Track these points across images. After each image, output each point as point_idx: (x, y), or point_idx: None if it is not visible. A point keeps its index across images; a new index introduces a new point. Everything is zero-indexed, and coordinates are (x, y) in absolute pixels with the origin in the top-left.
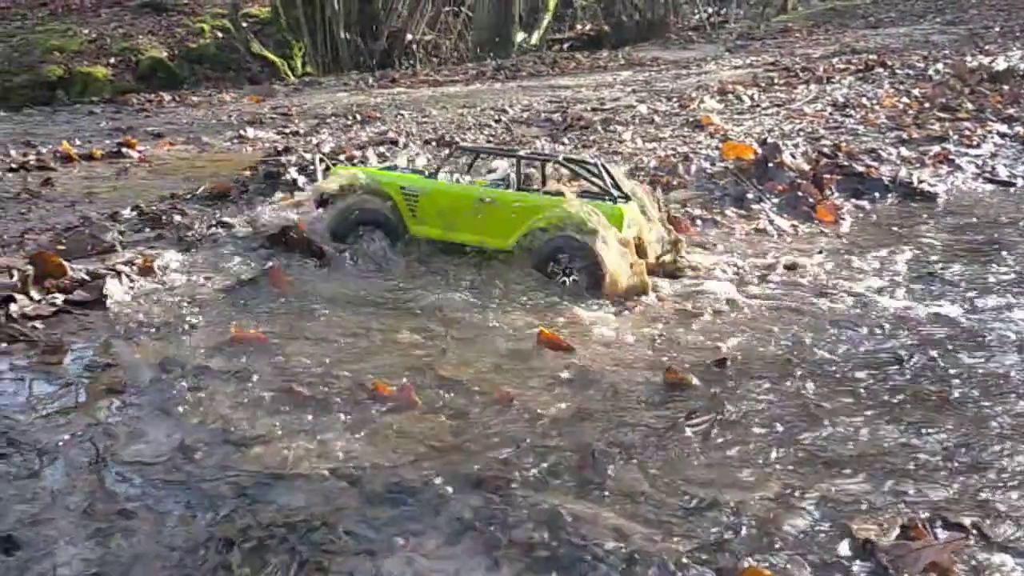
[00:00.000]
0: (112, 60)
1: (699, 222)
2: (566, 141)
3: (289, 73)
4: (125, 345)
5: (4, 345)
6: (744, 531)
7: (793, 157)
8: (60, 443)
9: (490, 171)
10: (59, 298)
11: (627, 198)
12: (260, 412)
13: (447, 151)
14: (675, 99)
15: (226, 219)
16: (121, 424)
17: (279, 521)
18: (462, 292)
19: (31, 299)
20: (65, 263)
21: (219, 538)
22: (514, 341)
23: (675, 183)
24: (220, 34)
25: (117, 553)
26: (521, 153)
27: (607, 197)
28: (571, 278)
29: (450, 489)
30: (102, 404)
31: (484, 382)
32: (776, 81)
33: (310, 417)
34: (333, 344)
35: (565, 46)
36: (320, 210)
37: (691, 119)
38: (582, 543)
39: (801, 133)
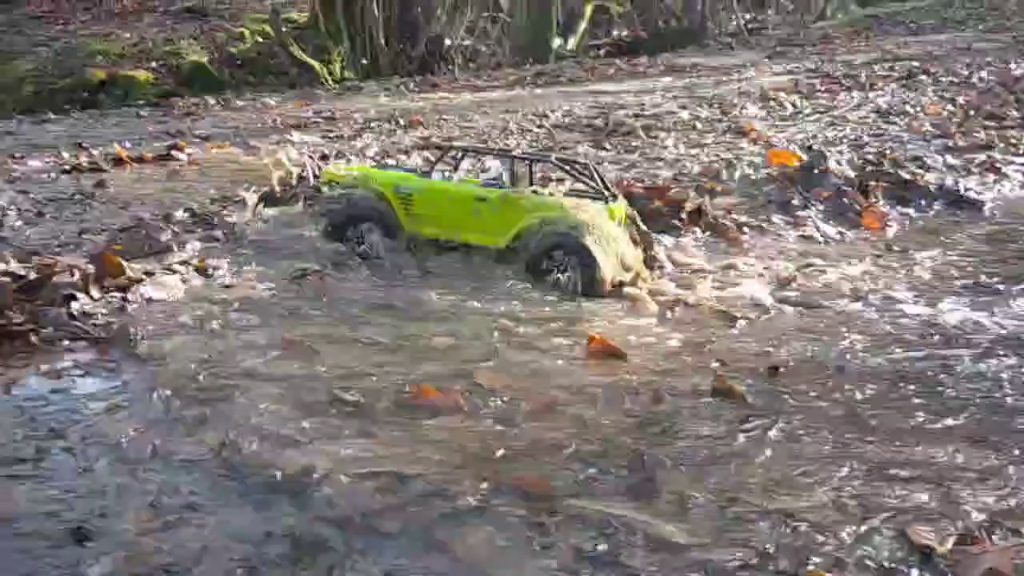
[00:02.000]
0: (154, 64)
1: (746, 229)
2: (608, 147)
3: (328, 78)
4: (176, 344)
5: (67, 343)
6: (800, 538)
7: (839, 164)
8: (121, 438)
9: (483, 170)
10: (117, 297)
11: (615, 197)
12: (306, 414)
13: (440, 151)
14: (717, 105)
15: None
16: (175, 421)
17: (328, 520)
18: (507, 297)
19: (91, 298)
20: (124, 263)
21: (277, 534)
22: (563, 346)
23: (719, 189)
24: (260, 39)
25: (184, 545)
26: (515, 153)
27: (599, 196)
28: (566, 275)
29: (496, 493)
30: (158, 401)
31: (532, 387)
32: (818, 88)
33: (355, 420)
34: (376, 348)
35: (601, 52)
36: (311, 207)
37: (733, 125)
38: (633, 549)
39: (845, 140)
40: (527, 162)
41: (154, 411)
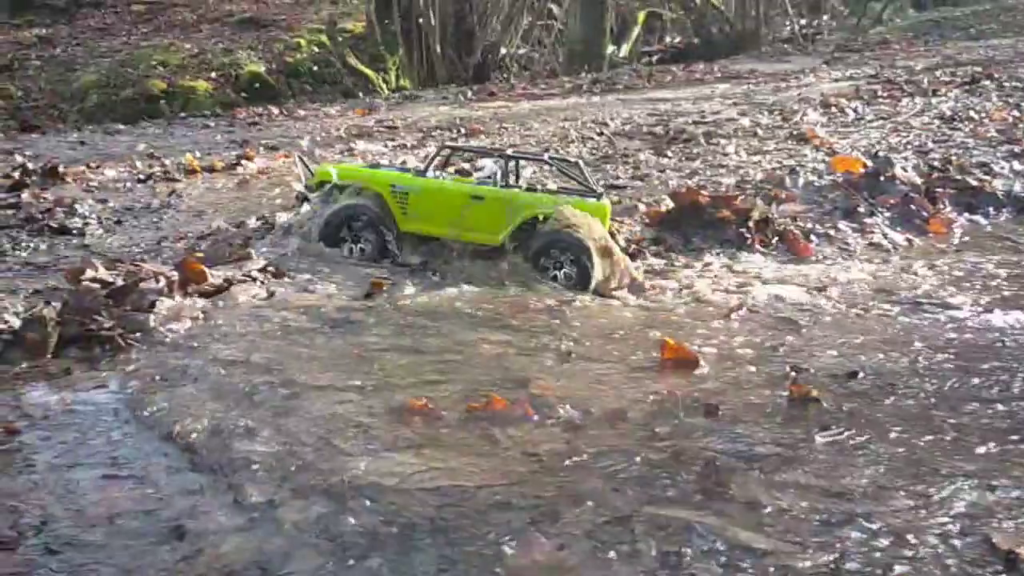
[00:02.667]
0: (213, 74)
1: (813, 237)
2: (669, 154)
3: (383, 87)
4: (250, 350)
5: (145, 348)
6: (883, 542)
7: (904, 170)
8: (203, 439)
9: (477, 169)
10: (200, 302)
11: (601, 195)
12: (376, 422)
13: (435, 150)
14: (777, 112)
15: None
16: (249, 425)
17: (396, 528)
18: (574, 304)
19: (175, 303)
20: (206, 269)
21: (357, 533)
22: (635, 352)
23: (783, 196)
24: (316, 49)
25: (272, 543)
26: (509, 152)
27: (590, 193)
28: (562, 271)
29: (567, 499)
30: (233, 404)
31: (601, 394)
32: (879, 94)
33: (425, 429)
34: (440, 357)
35: (653, 59)
36: (305, 207)
37: (795, 132)
38: (715, 555)
39: (909, 146)
40: (517, 161)
41: (229, 417)
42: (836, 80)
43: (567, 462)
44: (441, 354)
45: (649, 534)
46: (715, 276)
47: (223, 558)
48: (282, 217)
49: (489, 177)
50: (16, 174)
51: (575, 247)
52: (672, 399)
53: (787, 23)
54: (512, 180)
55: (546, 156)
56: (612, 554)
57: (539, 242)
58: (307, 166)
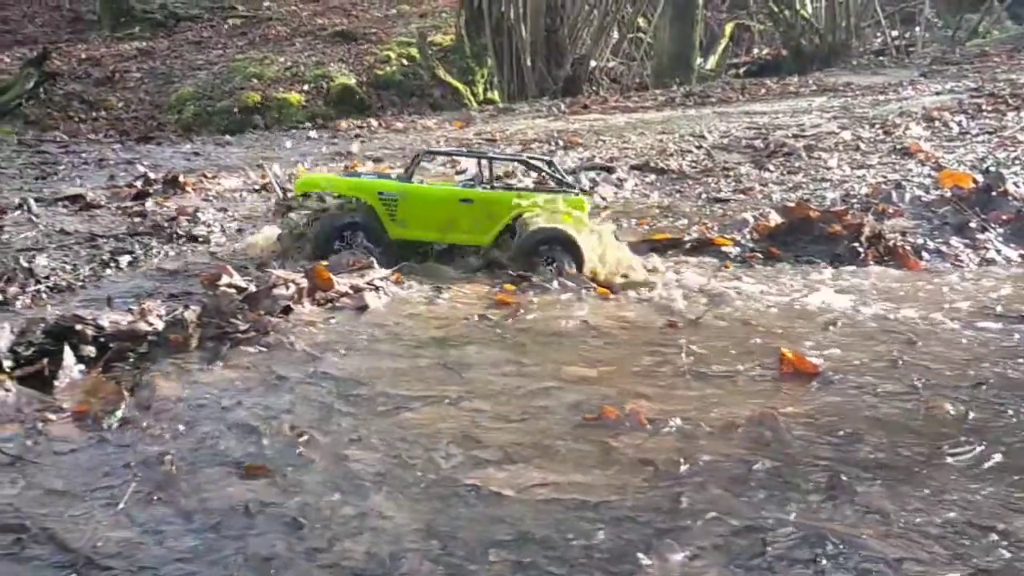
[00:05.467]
0: (305, 87)
1: (924, 253)
2: (771, 168)
3: (472, 99)
4: (368, 357)
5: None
6: (1019, 558)
7: (1017, 186)
8: (318, 439)
9: (459, 172)
10: (328, 308)
11: (578, 191)
12: (486, 432)
13: (415, 155)
14: (878, 125)
15: None
16: (362, 432)
17: (523, 534)
18: (687, 319)
19: (305, 309)
20: (333, 277)
21: (478, 541)
22: (748, 363)
23: (890, 211)
24: (405, 61)
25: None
26: (490, 153)
27: (567, 189)
28: (552, 267)
29: (690, 508)
30: (346, 410)
31: (717, 403)
32: (983, 108)
33: (536, 441)
34: (556, 369)
35: (741, 70)
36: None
37: (898, 146)
38: (845, 563)
39: (1017, 161)
40: (491, 162)
41: (341, 421)
42: (937, 93)
43: (683, 471)
44: (556, 366)
45: (781, 542)
46: (823, 289)
47: (342, 555)
48: (269, 230)
49: (472, 179)
50: (139, 183)
51: (565, 243)
52: (790, 409)
53: (879, 35)
54: (491, 180)
55: (523, 156)
56: (747, 563)
57: (530, 239)
58: (279, 183)
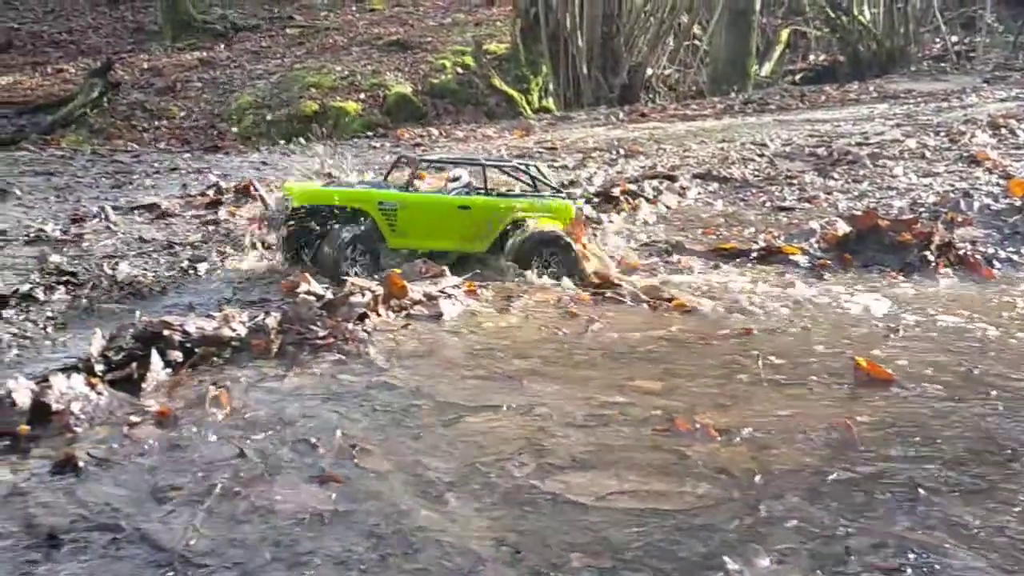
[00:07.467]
0: (362, 95)
1: (995, 261)
2: (835, 176)
3: (526, 107)
4: (440, 366)
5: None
6: None
7: None
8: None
9: (453, 179)
10: (403, 315)
11: (568, 196)
12: (559, 441)
13: (396, 161)
14: (943, 133)
15: None
16: (432, 440)
17: (605, 541)
18: (760, 328)
19: (380, 316)
20: (407, 285)
21: (561, 548)
22: (821, 372)
23: (959, 220)
24: (460, 70)
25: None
26: (482, 160)
27: (556, 194)
28: (549, 269)
29: (769, 516)
30: (418, 417)
31: (794, 413)
32: None
33: (613, 449)
34: (631, 380)
35: (797, 77)
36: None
37: (964, 154)
38: (929, 572)
39: None
40: (478, 168)
41: (419, 430)
42: (1002, 100)
43: (758, 480)
44: (629, 379)
45: (864, 551)
46: (893, 298)
47: (420, 561)
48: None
49: (466, 186)
50: (211, 192)
51: (561, 247)
52: (865, 418)
53: (938, 40)
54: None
55: (514, 163)
56: (833, 570)
57: (527, 243)
58: (263, 197)
